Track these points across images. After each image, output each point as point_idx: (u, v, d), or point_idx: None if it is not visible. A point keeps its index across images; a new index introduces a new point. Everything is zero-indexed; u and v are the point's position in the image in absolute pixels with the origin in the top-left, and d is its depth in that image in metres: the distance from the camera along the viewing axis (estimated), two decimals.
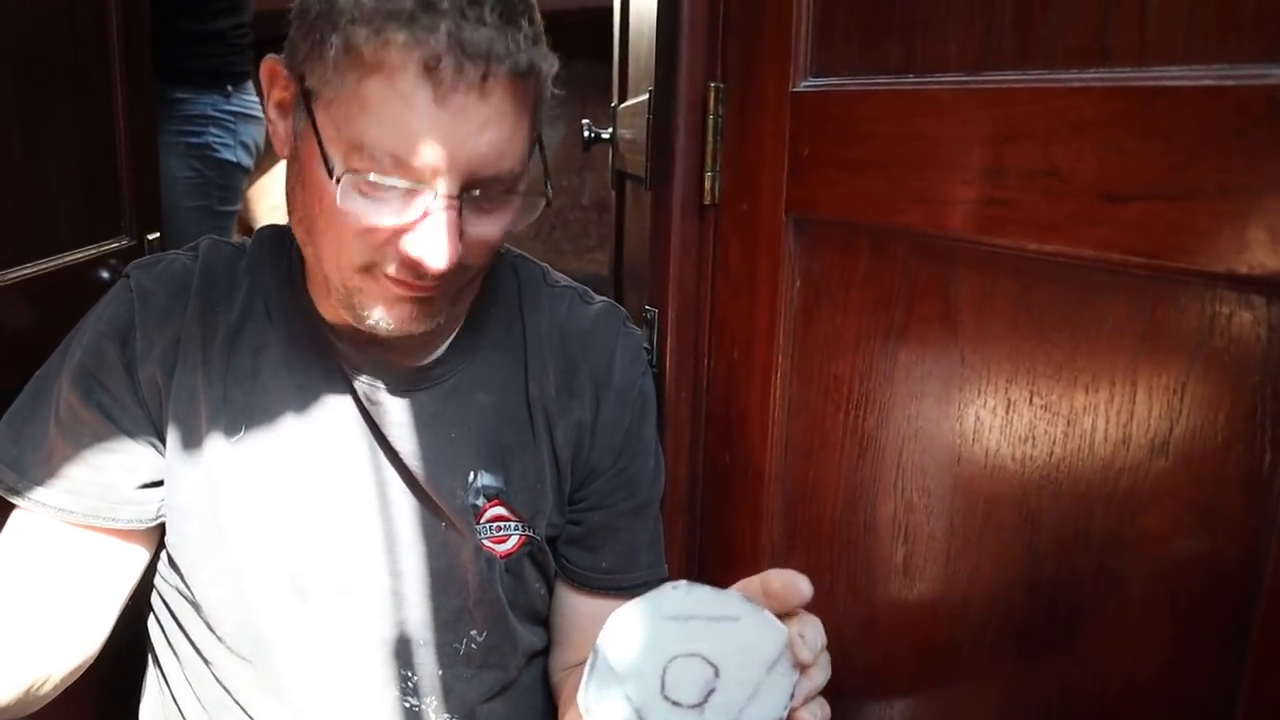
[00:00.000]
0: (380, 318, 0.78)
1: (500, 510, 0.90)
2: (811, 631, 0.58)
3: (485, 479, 0.89)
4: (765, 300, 0.77)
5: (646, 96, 0.97)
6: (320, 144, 0.73)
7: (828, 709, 0.60)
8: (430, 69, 0.69)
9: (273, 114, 0.79)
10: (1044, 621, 0.59)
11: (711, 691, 0.57)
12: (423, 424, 0.86)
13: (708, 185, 0.82)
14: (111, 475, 0.84)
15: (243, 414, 0.86)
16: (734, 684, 0.57)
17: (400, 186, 0.72)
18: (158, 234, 1.16)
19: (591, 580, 0.93)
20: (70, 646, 0.82)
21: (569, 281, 0.96)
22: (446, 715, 0.94)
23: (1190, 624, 0.52)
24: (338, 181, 0.72)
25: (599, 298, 0.95)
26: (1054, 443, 0.57)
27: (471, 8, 0.69)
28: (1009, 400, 0.60)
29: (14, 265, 0.90)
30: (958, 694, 0.66)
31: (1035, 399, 0.58)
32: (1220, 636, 0.50)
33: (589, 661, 0.59)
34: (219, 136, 2.35)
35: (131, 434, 0.85)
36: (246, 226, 3.54)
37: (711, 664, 0.57)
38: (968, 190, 0.59)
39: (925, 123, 0.62)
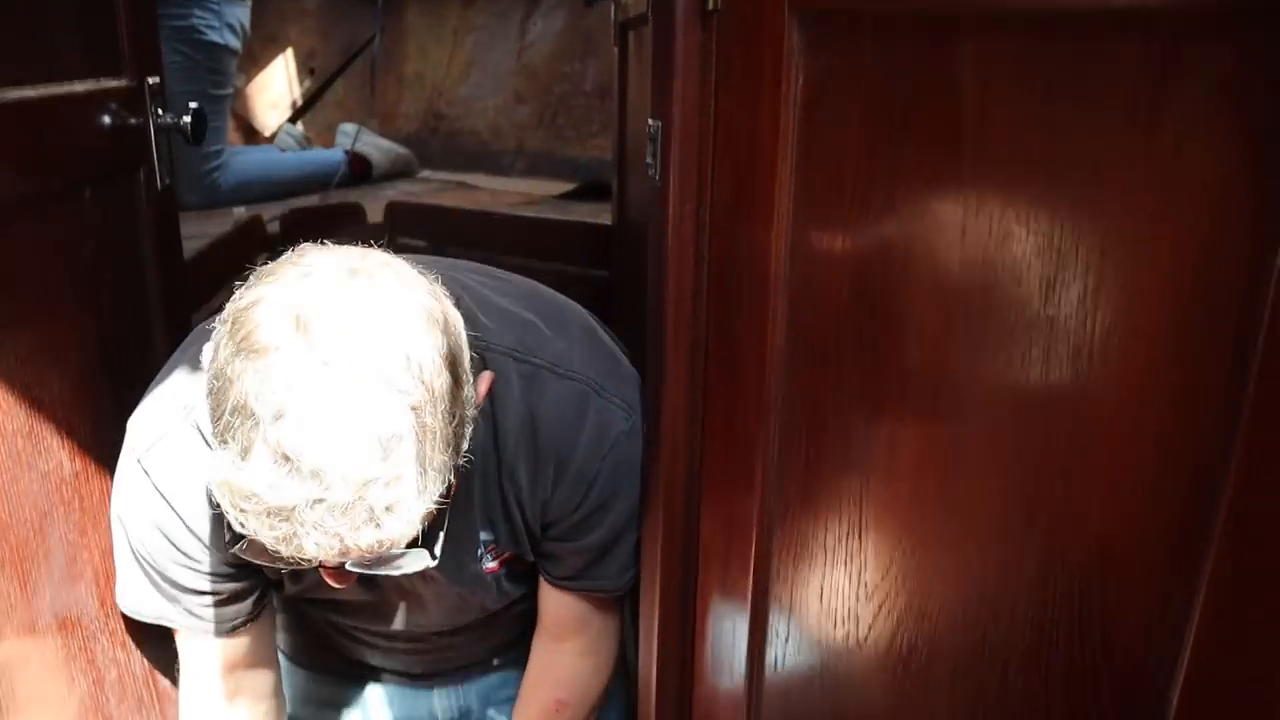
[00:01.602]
0: None
1: (492, 547, 1.09)
2: None
3: (484, 536, 1.07)
4: (769, 102, 0.77)
5: None
6: None
7: None
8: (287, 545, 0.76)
9: None
10: (1049, 386, 0.60)
11: None
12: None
13: None
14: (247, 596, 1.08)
15: None
16: None
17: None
18: (157, 78, 1.15)
19: (554, 579, 1.13)
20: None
21: (543, 359, 1.01)
22: (440, 625, 1.20)
23: (1195, 370, 0.53)
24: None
25: (574, 374, 1.02)
26: (1057, 208, 0.58)
27: (316, 510, 0.74)
28: (1012, 173, 0.60)
29: (12, 85, 0.89)
30: (961, 486, 0.68)
31: (1042, 168, 0.58)
32: (1223, 374, 0.51)
33: None
34: (204, 18, 2.31)
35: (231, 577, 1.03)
36: (246, 125, 3.50)
37: None
38: None
39: None
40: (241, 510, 0.75)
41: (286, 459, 0.72)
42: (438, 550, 0.88)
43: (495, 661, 1.36)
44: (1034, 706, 0.63)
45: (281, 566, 0.90)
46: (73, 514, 1.00)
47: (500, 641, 1.32)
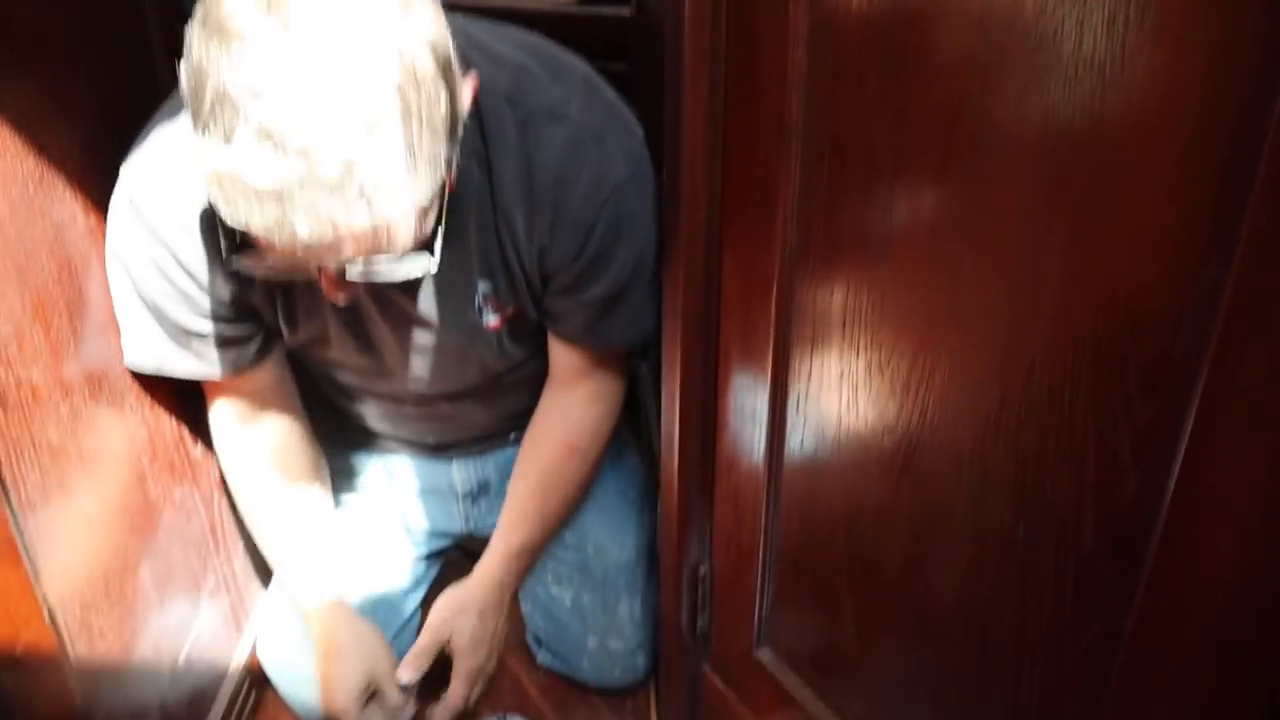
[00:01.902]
0: None
1: (492, 299, 1.09)
2: None
3: (483, 287, 1.06)
4: None
5: None
6: None
7: None
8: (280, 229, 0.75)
9: None
10: (1080, 62, 0.57)
11: None
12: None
13: None
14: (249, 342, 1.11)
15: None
16: None
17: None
18: None
19: (560, 334, 1.15)
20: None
21: (539, 106, 0.97)
22: (443, 386, 1.21)
23: (1232, 36, 0.50)
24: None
25: (571, 121, 0.99)
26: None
27: (306, 189, 0.72)
28: None
29: None
30: (986, 187, 0.65)
31: None
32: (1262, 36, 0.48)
33: None
34: None
35: (231, 320, 1.06)
36: None
37: None
38: None
39: None
40: (230, 199, 0.74)
41: (269, 136, 0.71)
42: (437, 249, 0.88)
43: (512, 435, 1.38)
44: (1058, 405, 0.62)
45: (282, 277, 0.90)
46: (91, 267, 1.00)
47: (510, 411, 1.33)
